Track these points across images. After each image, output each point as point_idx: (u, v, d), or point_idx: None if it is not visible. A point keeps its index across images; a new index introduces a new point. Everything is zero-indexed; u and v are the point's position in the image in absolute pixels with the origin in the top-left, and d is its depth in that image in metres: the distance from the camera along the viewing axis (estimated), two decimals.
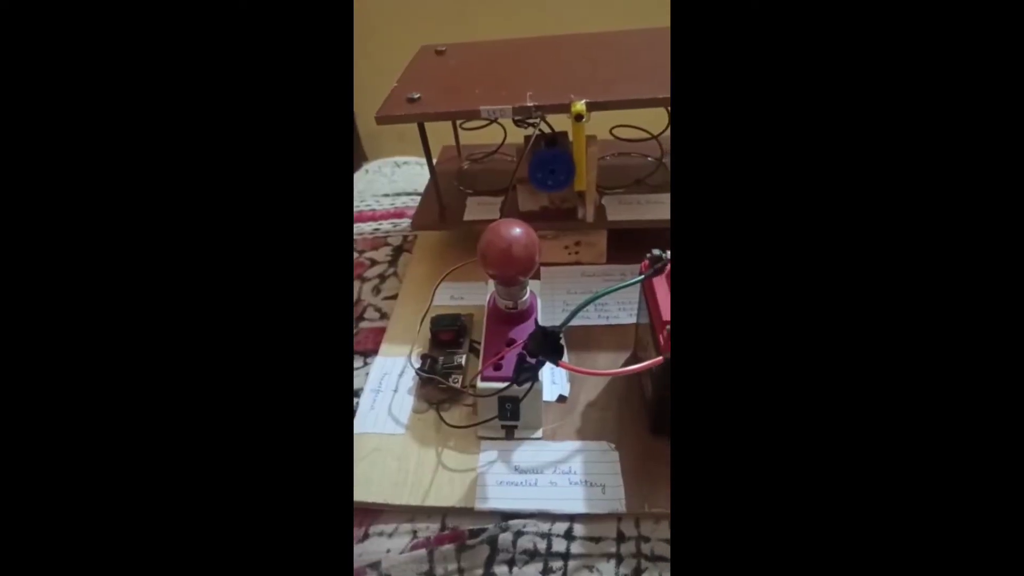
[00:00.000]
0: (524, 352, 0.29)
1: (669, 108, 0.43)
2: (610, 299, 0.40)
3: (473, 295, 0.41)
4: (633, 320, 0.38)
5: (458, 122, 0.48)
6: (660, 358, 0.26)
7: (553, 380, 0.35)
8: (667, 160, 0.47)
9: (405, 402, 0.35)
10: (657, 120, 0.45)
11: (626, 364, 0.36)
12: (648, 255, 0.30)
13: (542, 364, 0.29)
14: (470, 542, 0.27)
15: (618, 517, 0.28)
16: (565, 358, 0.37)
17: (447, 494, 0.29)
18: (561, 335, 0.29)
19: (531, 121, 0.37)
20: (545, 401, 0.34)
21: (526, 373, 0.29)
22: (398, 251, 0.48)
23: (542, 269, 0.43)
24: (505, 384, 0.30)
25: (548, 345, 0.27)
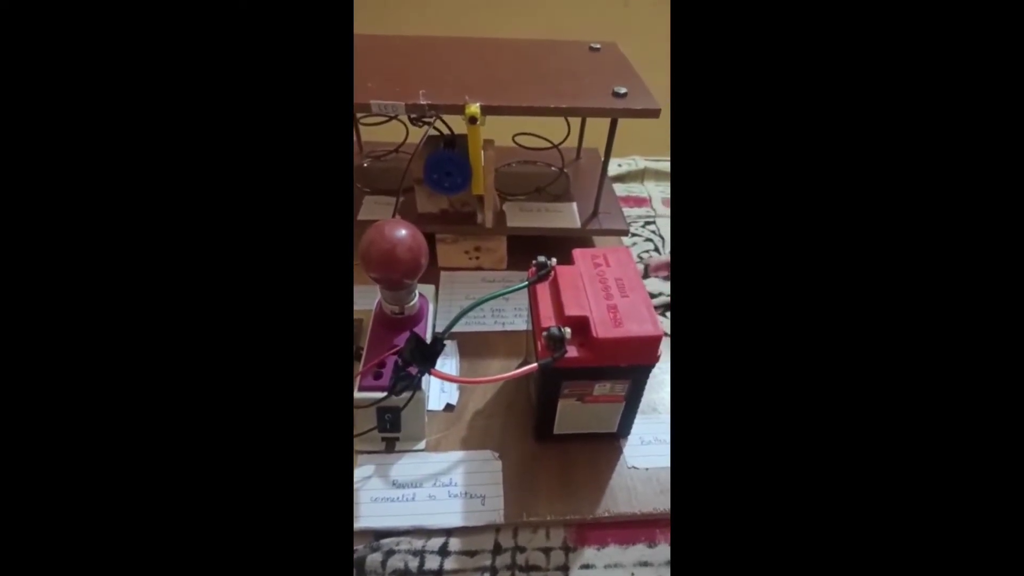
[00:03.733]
0: (399, 360, 0.27)
1: (567, 118, 0.44)
2: (506, 305, 0.40)
3: (365, 299, 0.39)
4: (525, 327, 0.37)
5: (357, 116, 0.45)
6: (535, 364, 0.25)
7: (442, 388, 0.34)
8: (568, 169, 0.48)
9: None
10: (559, 129, 0.46)
11: (518, 366, 0.35)
12: (534, 262, 0.30)
13: (423, 372, 0.27)
14: None
15: (496, 528, 0.27)
16: (455, 365, 0.36)
17: None
18: (443, 342, 0.28)
19: (426, 120, 0.35)
20: (431, 410, 0.32)
21: (404, 382, 0.27)
22: None
23: (441, 273, 0.42)
24: (384, 394, 0.28)
25: (421, 353, 0.26)
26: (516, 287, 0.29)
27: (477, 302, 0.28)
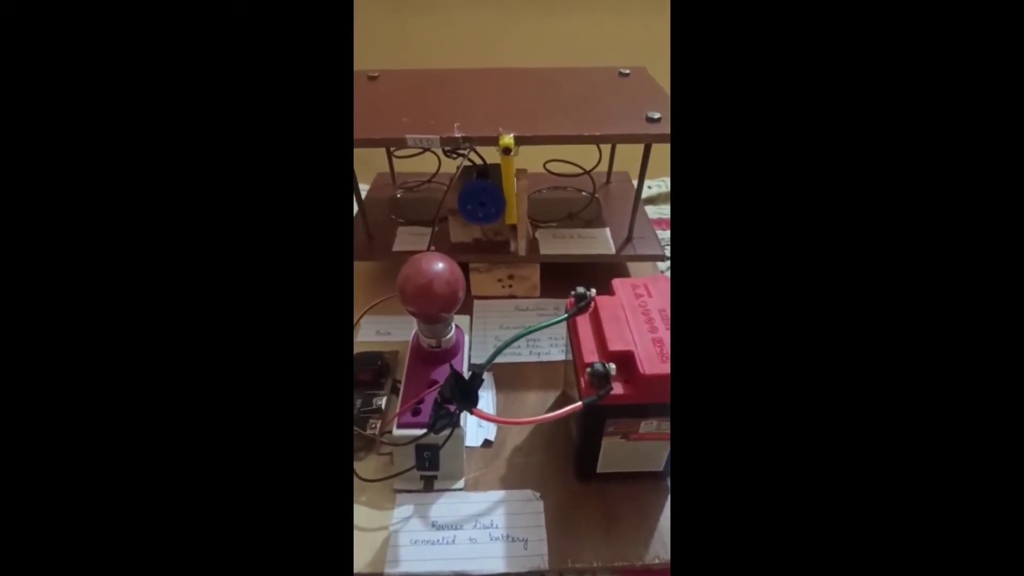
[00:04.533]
0: (439, 396, 0.27)
1: (599, 145, 0.44)
2: (541, 334, 0.39)
3: (401, 330, 0.39)
4: (562, 357, 0.36)
5: (392, 149, 0.46)
6: (579, 403, 0.24)
7: (480, 423, 0.33)
8: (600, 195, 0.47)
9: None
10: (590, 155, 0.46)
11: (555, 403, 0.35)
12: (573, 292, 0.29)
13: (464, 410, 0.27)
14: None
15: (540, 574, 0.26)
16: (491, 398, 0.35)
17: (354, 558, 0.26)
18: (482, 377, 0.27)
19: (461, 152, 0.36)
20: (469, 446, 0.32)
21: (443, 420, 0.27)
22: None
23: (475, 302, 0.42)
24: (423, 431, 0.28)
25: (462, 391, 0.25)
26: (555, 320, 0.29)
27: (515, 336, 0.27)
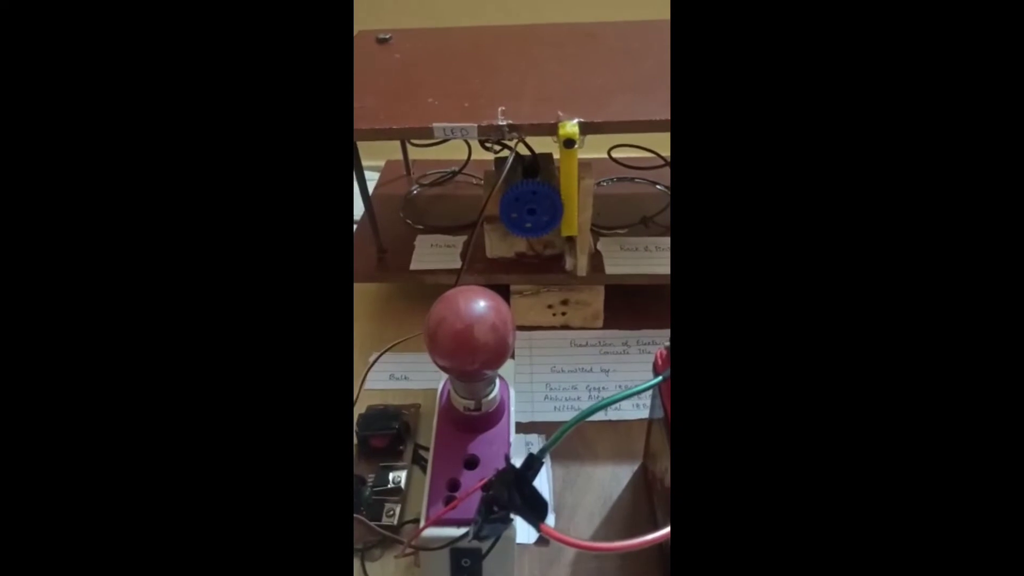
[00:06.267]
0: (489, 499, 0.20)
1: None
2: (608, 382, 0.33)
3: (422, 374, 0.33)
4: (642, 415, 0.29)
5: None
6: None
7: None
8: None
9: None
10: (666, 136, 0.38)
11: (634, 481, 0.28)
12: (665, 345, 0.23)
13: (528, 521, 0.20)
14: None
15: None
16: (546, 472, 0.29)
17: None
18: (542, 460, 0.21)
19: (506, 142, 0.29)
20: (520, 543, 0.25)
21: (493, 527, 0.21)
22: None
23: (518, 335, 0.35)
24: (461, 531, 0.22)
25: (525, 498, 0.19)
26: (641, 388, 0.22)
27: (589, 411, 0.21)
